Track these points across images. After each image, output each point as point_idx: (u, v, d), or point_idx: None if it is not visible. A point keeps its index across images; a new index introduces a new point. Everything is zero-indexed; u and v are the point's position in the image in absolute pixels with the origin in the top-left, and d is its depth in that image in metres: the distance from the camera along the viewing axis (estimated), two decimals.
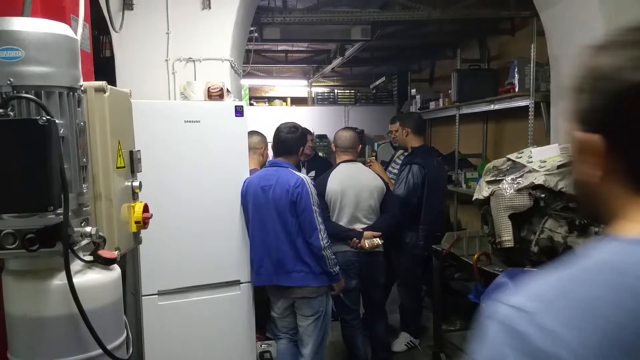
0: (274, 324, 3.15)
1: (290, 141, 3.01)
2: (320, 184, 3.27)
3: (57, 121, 1.07)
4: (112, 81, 3.44)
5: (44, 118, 1.01)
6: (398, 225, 3.49)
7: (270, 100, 8.80)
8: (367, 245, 3.11)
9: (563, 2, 3.73)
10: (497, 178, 3.07)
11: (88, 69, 1.53)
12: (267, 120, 5.57)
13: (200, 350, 3.00)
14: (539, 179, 2.88)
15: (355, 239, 3.13)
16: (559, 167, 2.91)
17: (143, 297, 2.91)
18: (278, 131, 3.06)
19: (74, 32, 1.35)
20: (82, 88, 1.19)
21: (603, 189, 0.64)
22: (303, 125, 3.58)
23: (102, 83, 1.32)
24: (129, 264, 3.30)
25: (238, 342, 3.11)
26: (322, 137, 7.29)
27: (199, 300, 3.00)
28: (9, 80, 1.05)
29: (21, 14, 1.22)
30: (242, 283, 3.09)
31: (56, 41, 1.10)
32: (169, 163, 2.89)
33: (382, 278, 3.50)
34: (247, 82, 7.78)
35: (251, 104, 8.10)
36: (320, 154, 6.22)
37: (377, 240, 3.14)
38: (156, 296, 2.93)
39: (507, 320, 0.56)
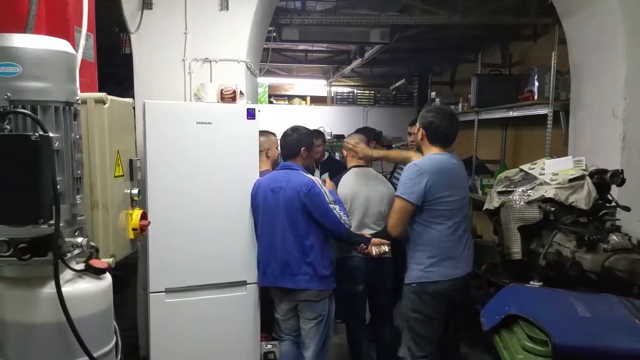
0: (277, 325, 3.17)
1: (290, 143, 3.05)
2: None
3: (51, 135, 1.10)
4: (131, 78, 3.49)
5: (37, 134, 1.05)
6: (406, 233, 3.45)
7: (289, 98, 8.83)
8: (374, 252, 3.09)
9: (585, 11, 3.64)
10: (509, 189, 3.03)
11: (92, 78, 1.57)
12: (286, 118, 5.59)
13: (205, 348, 3.06)
14: (549, 192, 2.83)
15: (362, 244, 3.12)
16: (570, 180, 2.86)
17: (151, 294, 2.97)
18: (282, 136, 3.10)
19: (77, 43, 1.39)
20: (79, 101, 1.22)
21: (422, 143, 2.83)
22: (322, 125, 3.50)
23: (102, 95, 1.35)
24: (140, 258, 3.37)
25: (243, 341, 3.16)
26: (340, 137, 7.28)
27: (205, 299, 3.06)
28: (6, 95, 1.08)
29: (25, 26, 1.26)
30: (248, 284, 3.13)
31: (53, 57, 1.13)
32: (180, 163, 2.94)
33: (389, 283, 3.48)
34: (267, 80, 7.85)
35: (270, 102, 8.15)
36: (337, 155, 6.20)
37: (385, 248, 3.12)
38: (163, 294, 2.98)
39: (412, 163, 2.73)
